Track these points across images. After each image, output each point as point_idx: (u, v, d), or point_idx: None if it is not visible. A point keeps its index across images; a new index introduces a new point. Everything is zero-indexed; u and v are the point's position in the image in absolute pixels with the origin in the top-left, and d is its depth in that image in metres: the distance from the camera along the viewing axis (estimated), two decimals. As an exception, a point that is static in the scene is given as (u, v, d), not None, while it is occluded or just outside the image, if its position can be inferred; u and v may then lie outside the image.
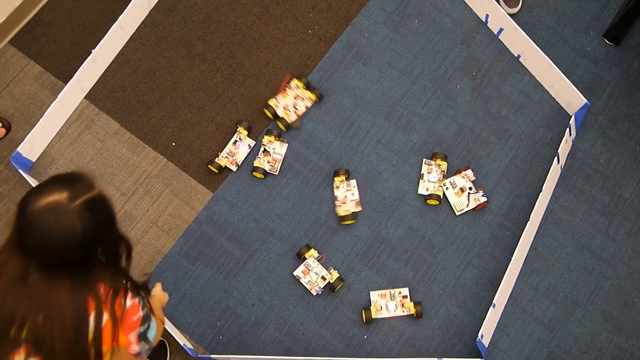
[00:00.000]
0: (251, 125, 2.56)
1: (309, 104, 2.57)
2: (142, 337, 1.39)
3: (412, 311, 2.36)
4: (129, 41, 2.69)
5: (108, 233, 1.30)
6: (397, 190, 2.53)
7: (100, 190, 1.28)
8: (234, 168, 2.51)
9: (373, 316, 2.36)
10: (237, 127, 2.54)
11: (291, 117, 2.55)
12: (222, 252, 2.44)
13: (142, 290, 1.41)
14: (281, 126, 2.54)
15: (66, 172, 1.29)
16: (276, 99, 2.55)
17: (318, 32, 2.72)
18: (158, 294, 1.72)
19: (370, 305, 2.38)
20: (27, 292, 1.24)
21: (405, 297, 2.40)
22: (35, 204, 1.21)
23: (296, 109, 2.55)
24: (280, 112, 2.53)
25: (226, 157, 2.52)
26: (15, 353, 1.26)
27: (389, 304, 2.38)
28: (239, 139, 2.54)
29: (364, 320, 2.35)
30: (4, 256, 1.27)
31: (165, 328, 2.22)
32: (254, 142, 2.55)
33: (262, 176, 2.50)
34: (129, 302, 1.36)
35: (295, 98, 2.54)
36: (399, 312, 2.38)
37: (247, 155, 2.54)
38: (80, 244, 1.22)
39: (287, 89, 2.55)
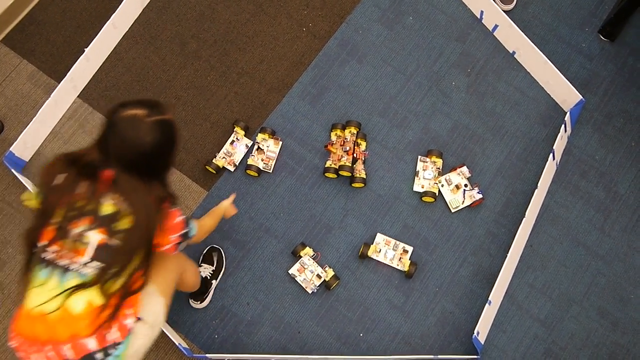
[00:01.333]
0: (248, 125, 2.55)
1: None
2: (184, 236, 1.70)
3: (405, 268, 2.39)
4: (122, 40, 2.67)
5: (169, 152, 1.63)
6: (392, 187, 2.52)
7: (172, 117, 1.60)
8: (231, 168, 2.50)
9: (369, 254, 2.39)
10: (234, 127, 2.53)
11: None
12: (217, 251, 2.43)
13: (174, 199, 1.71)
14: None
15: (150, 98, 1.63)
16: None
17: (312, 30, 2.71)
18: (226, 204, 2.16)
19: (372, 243, 2.41)
20: (102, 180, 1.55)
21: (406, 252, 2.43)
22: (120, 113, 1.54)
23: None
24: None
25: (223, 157, 2.50)
26: (78, 223, 1.55)
27: (389, 251, 2.41)
28: (236, 139, 2.52)
29: (359, 254, 2.38)
30: (89, 149, 1.61)
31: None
32: (251, 142, 2.54)
33: (256, 174, 2.49)
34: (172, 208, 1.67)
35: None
36: (394, 264, 2.41)
37: (244, 155, 2.52)
38: (147, 152, 1.54)
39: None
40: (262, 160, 2.50)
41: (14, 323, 1.65)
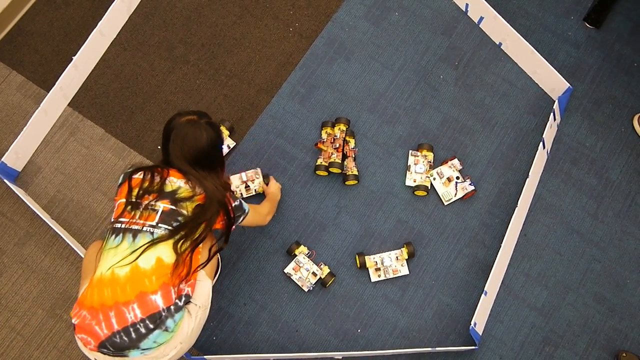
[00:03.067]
0: (234, 125, 2.56)
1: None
2: (239, 217, 2.03)
3: (404, 251, 2.40)
4: (110, 47, 2.69)
5: (220, 148, 1.96)
6: (384, 183, 2.53)
7: (217, 122, 2.11)
8: None
9: (367, 265, 2.38)
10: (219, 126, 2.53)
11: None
12: (212, 253, 2.43)
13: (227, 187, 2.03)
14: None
15: (195, 109, 1.97)
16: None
17: (299, 29, 2.72)
18: (274, 190, 2.40)
19: (364, 255, 2.40)
20: (169, 172, 1.89)
21: (400, 257, 2.42)
22: (178, 120, 1.89)
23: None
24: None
25: None
26: (149, 197, 1.84)
27: (385, 259, 2.40)
28: None
29: (358, 265, 2.38)
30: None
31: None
32: (235, 144, 2.54)
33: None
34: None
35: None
36: (398, 265, 2.41)
37: (225, 155, 2.52)
38: (205, 147, 1.88)
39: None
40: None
41: (80, 297, 1.84)
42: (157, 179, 1.86)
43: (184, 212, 1.84)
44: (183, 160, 1.86)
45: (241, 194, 2.46)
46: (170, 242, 1.80)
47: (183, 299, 1.84)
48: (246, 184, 2.45)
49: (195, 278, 1.93)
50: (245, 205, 2.07)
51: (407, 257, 2.40)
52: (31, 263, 2.41)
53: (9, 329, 2.35)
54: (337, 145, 2.47)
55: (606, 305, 2.40)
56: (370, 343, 2.35)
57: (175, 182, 1.87)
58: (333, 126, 2.52)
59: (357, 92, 2.64)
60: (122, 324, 1.74)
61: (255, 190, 2.46)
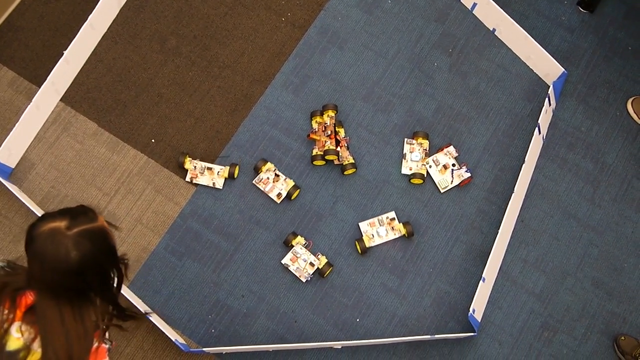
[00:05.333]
0: (222, 128, 2.55)
1: None
2: None
3: (403, 231, 2.39)
4: (101, 40, 2.66)
5: (104, 265, 1.37)
6: (380, 171, 2.52)
7: (102, 224, 1.36)
8: (188, 178, 2.47)
9: (367, 245, 2.38)
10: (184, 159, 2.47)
11: None
12: (209, 246, 2.42)
13: (127, 317, 1.49)
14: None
15: (75, 206, 1.38)
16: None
17: (291, 19, 2.70)
18: None
19: (362, 235, 2.41)
20: (20, 306, 1.35)
21: (392, 219, 2.43)
22: (38, 228, 1.31)
23: None
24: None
25: (195, 166, 2.47)
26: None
27: (379, 229, 2.41)
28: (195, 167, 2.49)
29: (359, 251, 2.38)
30: (18, 271, 1.43)
31: (156, 325, 2.21)
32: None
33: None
34: (102, 345, 1.44)
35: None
36: (391, 236, 2.41)
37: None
38: (74, 270, 1.29)
39: None
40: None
41: None
42: (7, 317, 1.35)
43: None
44: (44, 288, 1.32)
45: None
46: None
47: None
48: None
49: None
50: None
51: (405, 234, 2.40)
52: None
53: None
54: (329, 132, 2.46)
55: (604, 290, 2.40)
56: (369, 332, 2.35)
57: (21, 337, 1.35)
58: (322, 114, 2.51)
59: (351, 81, 2.62)
60: None
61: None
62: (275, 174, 2.46)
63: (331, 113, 2.50)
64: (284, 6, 2.72)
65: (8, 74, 2.61)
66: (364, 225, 2.43)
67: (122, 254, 1.44)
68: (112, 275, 1.41)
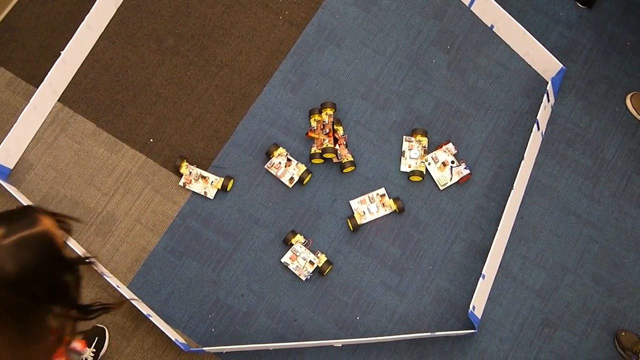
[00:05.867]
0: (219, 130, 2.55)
1: None
2: None
3: (394, 207, 2.41)
4: (98, 40, 2.66)
5: (51, 273, 1.17)
6: (379, 169, 2.51)
7: (45, 228, 1.17)
8: (181, 182, 2.47)
9: (359, 222, 2.40)
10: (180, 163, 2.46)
11: None
12: (208, 245, 2.42)
13: (95, 312, 1.30)
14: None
15: (17, 207, 1.20)
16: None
17: (289, 17, 2.70)
18: None
19: (353, 213, 2.42)
20: None
21: (383, 196, 2.45)
22: None
23: None
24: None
25: (191, 172, 2.46)
26: None
27: (370, 206, 2.43)
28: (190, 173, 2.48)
29: (351, 229, 2.39)
30: None
31: (156, 325, 2.21)
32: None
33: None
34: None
35: None
36: (382, 212, 2.43)
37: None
38: (13, 283, 1.10)
39: None
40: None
41: None
42: None
43: None
44: None
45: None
46: None
47: None
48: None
49: None
50: None
51: (396, 210, 2.42)
52: (26, 260, 2.39)
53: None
54: (327, 130, 2.46)
55: (604, 285, 2.39)
56: (370, 330, 2.35)
57: None
58: (320, 112, 2.51)
59: (349, 79, 2.62)
60: None
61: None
62: (288, 159, 2.46)
63: (330, 111, 2.49)
64: (281, 4, 2.71)
65: (5, 75, 2.61)
66: (354, 203, 2.44)
67: (84, 254, 1.30)
68: (66, 280, 1.21)
